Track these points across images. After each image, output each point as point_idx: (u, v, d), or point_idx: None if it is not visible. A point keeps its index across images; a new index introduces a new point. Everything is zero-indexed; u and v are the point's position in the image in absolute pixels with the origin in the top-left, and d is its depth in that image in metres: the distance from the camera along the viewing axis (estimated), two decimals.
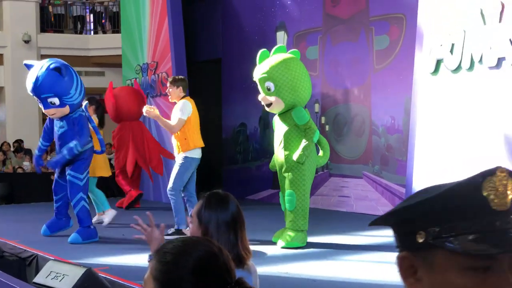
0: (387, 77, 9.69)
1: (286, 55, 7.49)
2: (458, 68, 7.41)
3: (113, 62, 17.35)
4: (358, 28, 10.21)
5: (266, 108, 7.49)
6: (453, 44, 7.43)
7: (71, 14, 19.82)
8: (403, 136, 9.27)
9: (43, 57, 18.72)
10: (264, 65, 7.36)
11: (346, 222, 9.13)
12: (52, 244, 7.84)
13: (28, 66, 8.10)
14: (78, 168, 8.13)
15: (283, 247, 7.14)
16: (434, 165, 7.71)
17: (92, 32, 20.15)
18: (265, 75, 7.26)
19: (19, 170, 14.26)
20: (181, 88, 8.11)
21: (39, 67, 7.96)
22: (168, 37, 12.08)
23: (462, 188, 1.22)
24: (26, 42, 18.16)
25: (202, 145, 8.15)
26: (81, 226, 8.11)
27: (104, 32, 19.77)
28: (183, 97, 8.13)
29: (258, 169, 12.44)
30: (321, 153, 7.54)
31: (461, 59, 7.34)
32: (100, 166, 9.85)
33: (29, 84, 7.96)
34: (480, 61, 7.15)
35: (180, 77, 8.35)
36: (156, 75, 12.56)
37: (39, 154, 8.57)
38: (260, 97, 7.45)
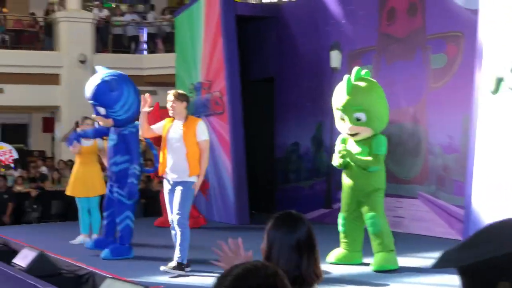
0: (444, 96, 9.55)
1: (370, 81, 7.44)
2: None
3: (166, 81, 17.53)
4: (414, 47, 10.10)
5: (349, 137, 7.38)
6: None
7: (126, 34, 20.13)
8: (461, 156, 9.10)
9: None
10: (354, 95, 7.22)
11: (401, 243, 8.98)
12: (109, 262, 7.89)
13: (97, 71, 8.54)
14: (125, 186, 8.22)
15: (376, 271, 7.09)
16: (494, 186, 7.55)
17: (145, 52, 20.42)
18: (359, 106, 7.18)
19: None
20: (185, 103, 7.39)
21: (99, 76, 8.29)
22: (222, 56, 12.13)
23: None
24: (82, 62, 18.47)
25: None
26: (119, 243, 8.23)
27: (157, 52, 20.00)
28: (187, 116, 7.43)
29: (310, 189, 12.37)
30: None
31: None
32: (101, 183, 9.71)
33: (86, 89, 8.31)
34: None
35: (183, 92, 7.66)
36: (210, 94, 12.62)
37: (78, 133, 8.79)
38: (346, 127, 7.31)
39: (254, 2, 18.31)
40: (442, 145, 9.58)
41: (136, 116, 8.30)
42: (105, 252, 8.15)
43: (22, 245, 9.05)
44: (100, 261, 7.88)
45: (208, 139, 7.43)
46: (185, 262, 7.21)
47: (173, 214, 7.28)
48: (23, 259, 7.99)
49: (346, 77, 7.32)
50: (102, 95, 8.12)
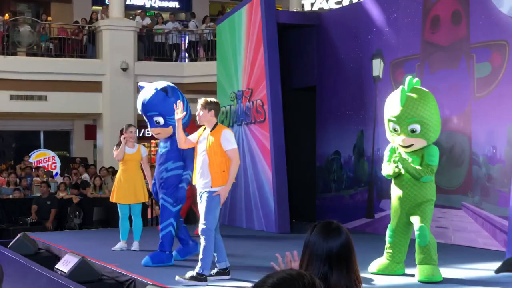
0: (489, 105, 9.41)
1: (423, 91, 7.33)
2: None
3: (207, 89, 17.61)
4: (458, 55, 9.98)
5: (402, 148, 7.22)
6: None
7: (168, 42, 20.29)
8: (506, 166, 8.95)
9: None
10: (409, 106, 7.09)
11: (444, 254, 8.86)
12: (150, 269, 7.92)
13: (141, 87, 8.63)
14: (172, 192, 8.25)
15: (422, 281, 6.97)
16: None
17: (186, 60, 20.55)
18: (415, 118, 7.05)
19: None
20: (213, 112, 7.18)
21: (150, 87, 8.39)
22: (263, 64, 12.13)
23: None
24: (124, 70, 18.65)
25: (233, 180, 7.33)
26: (160, 249, 8.25)
27: (198, 60, 20.13)
28: (216, 124, 7.27)
29: (351, 198, 12.28)
30: None
31: None
32: (144, 190, 9.78)
33: (139, 103, 8.44)
34: None
35: (213, 100, 7.33)
36: (251, 102, 12.63)
37: (154, 182, 8.72)
38: (400, 139, 7.15)
39: (296, 10, 18.31)
40: (487, 155, 9.44)
41: (188, 123, 8.42)
42: (145, 259, 8.19)
43: (65, 251, 9.14)
44: (142, 268, 7.91)
45: (235, 148, 7.19)
46: (205, 273, 7.03)
47: (199, 224, 7.19)
48: (65, 264, 8.06)
49: (400, 87, 7.18)
50: (161, 102, 8.18)
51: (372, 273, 7.39)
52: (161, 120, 8.25)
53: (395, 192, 7.35)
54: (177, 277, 7.04)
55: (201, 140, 7.27)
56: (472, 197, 9.67)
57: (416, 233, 7.05)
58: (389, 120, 7.28)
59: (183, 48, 20.78)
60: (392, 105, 7.28)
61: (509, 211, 8.27)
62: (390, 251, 7.39)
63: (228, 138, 7.17)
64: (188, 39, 20.56)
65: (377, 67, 11.55)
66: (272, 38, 12.14)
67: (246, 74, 12.95)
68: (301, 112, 13.61)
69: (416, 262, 7.12)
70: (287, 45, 13.39)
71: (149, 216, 14.65)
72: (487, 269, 7.56)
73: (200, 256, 7.04)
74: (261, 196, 12.19)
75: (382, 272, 7.39)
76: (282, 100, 12.05)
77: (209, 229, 7.04)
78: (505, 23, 9.21)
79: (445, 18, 10.28)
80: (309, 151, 13.37)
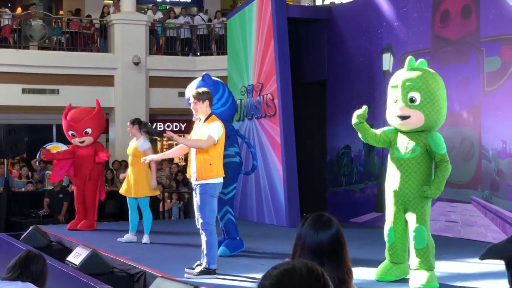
0: (498, 99, 9.41)
1: (430, 70, 6.90)
2: None
3: None
4: (468, 50, 9.98)
5: (398, 122, 6.65)
6: None
7: (179, 36, 20.34)
8: None
9: (151, 78, 19.28)
10: (412, 73, 6.61)
11: (453, 248, 8.89)
12: (160, 262, 7.99)
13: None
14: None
15: None
16: None
17: (198, 54, 20.59)
18: (416, 84, 6.49)
19: None
20: (207, 102, 7.15)
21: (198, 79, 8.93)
22: (273, 58, 12.16)
23: None
24: (136, 64, 18.71)
25: (223, 175, 7.22)
26: (228, 237, 8.46)
27: (210, 54, 20.17)
28: (210, 115, 7.23)
29: (361, 192, 12.30)
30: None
31: None
32: (148, 185, 9.84)
33: (186, 93, 8.89)
34: None
35: (204, 90, 7.32)
36: (261, 96, 12.66)
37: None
38: (398, 107, 6.57)
39: (307, 5, 18.30)
40: (496, 150, 9.44)
41: (232, 113, 8.99)
42: (221, 250, 8.24)
43: (76, 243, 9.23)
44: (152, 261, 7.97)
45: (213, 138, 7.02)
46: (212, 267, 7.01)
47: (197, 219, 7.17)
48: (77, 257, 8.13)
49: (409, 57, 6.81)
50: None
51: (378, 280, 6.74)
52: None
53: (390, 185, 6.74)
54: (186, 275, 7.07)
55: (195, 132, 7.29)
56: (481, 191, 9.67)
57: (414, 234, 6.45)
58: (392, 88, 6.75)
59: (194, 42, 20.82)
60: (397, 74, 6.86)
61: None
62: (392, 252, 6.72)
63: (213, 128, 7.06)
64: (198, 33, 20.56)
65: (387, 61, 11.55)
66: (282, 33, 12.16)
67: (256, 68, 12.98)
68: (311, 106, 13.62)
69: (411, 267, 6.57)
70: (297, 39, 13.40)
71: (160, 209, 14.72)
72: (496, 264, 7.57)
73: (204, 251, 7.03)
74: (272, 190, 12.22)
75: (387, 278, 6.69)
76: (292, 94, 12.08)
77: (208, 223, 7.02)
78: None
79: (455, 12, 10.27)
80: (320, 145, 13.39)
